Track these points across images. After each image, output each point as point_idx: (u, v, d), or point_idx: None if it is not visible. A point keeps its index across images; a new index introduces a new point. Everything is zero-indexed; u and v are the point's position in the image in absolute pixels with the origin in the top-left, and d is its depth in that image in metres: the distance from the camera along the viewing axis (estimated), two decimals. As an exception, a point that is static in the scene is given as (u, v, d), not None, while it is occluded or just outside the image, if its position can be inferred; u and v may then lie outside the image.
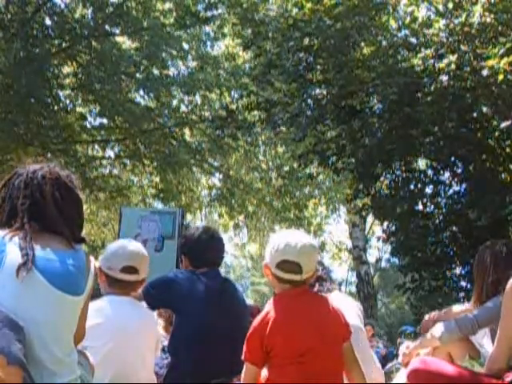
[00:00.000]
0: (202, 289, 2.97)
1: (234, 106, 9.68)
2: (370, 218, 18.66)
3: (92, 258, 2.11)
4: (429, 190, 8.54)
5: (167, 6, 12.32)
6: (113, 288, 2.82)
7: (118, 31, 12.09)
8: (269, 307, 2.37)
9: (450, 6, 6.83)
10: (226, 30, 12.62)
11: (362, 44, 7.42)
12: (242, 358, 2.35)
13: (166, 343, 3.36)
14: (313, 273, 2.41)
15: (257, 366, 2.33)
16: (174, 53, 12.30)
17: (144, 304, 2.99)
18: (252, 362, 2.33)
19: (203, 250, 3.13)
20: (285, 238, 2.38)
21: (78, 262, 1.99)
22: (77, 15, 11.91)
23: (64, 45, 11.50)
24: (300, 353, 2.26)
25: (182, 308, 2.96)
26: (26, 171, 2.07)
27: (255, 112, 9.03)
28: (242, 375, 2.37)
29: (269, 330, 2.28)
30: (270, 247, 2.41)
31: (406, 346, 3.09)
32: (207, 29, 13.10)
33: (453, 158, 8.03)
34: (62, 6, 11.76)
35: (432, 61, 6.82)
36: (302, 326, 2.30)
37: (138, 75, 11.95)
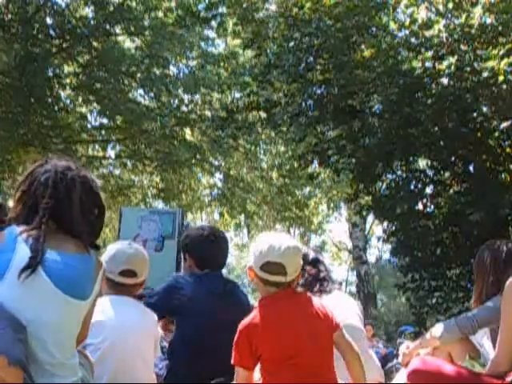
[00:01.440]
0: (203, 294, 2.93)
1: (234, 106, 9.68)
2: (370, 218, 18.68)
3: (102, 264, 2.10)
4: (429, 189, 8.55)
5: (168, 4, 12.32)
6: (112, 290, 2.82)
7: (118, 30, 12.09)
8: (255, 311, 2.36)
9: (450, 6, 6.84)
10: (226, 29, 12.60)
11: (362, 46, 7.42)
12: (232, 362, 2.32)
13: (164, 344, 3.36)
14: (297, 274, 2.39)
15: (247, 370, 2.32)
16: (176, 52, 12.29)
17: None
18: (242, 365, 2.31)
19: (209, 251, 3.10)
20: (268, 240, 2.36)
21: (88, 267, 1.98)
22: (77, 15, 11.91)
23: (64, 44, 11.51)
24: (289, 355, 2.25)
25: (182, 315, 2.94)
26: (55, 169, 2.02)
27: (256, 112, 9.03)
28: (234, 379, 2.36)
29: (256, 334, 2.27)
30: (253, 250, 2.39)
31: (405, 346, 3.08)
32: (208, 28, 13.08)
33: (453, 158, 8.03)
34: (63, 5, 11.76)
35: (432, 62, 6.83)
36: (289, 329, 2.29)
37: (138, 75, 11.95)
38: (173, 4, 12.19)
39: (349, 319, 2.80)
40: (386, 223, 8.81)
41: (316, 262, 3.01)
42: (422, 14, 7.01)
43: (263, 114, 8.83)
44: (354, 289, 21.01)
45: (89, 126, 13.44)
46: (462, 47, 6.76)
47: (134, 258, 2.87)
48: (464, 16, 6.58)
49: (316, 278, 2.96)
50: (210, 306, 2.91)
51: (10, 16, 10.80)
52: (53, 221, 1.95)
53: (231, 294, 3.09)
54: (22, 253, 1.87)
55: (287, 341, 2.27)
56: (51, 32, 11.33)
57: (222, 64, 12.80)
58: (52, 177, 2.00)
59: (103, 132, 13.60)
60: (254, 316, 2.33)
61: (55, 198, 1.97)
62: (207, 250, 3.09)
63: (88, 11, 12.11)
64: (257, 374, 2.36)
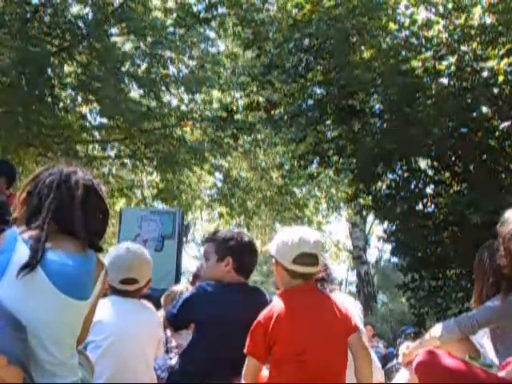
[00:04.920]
0: (224, 308, 2.85)
1: (234, 106, 9.69)
2: (370, 218, 18.69)
3: (104, 265, 2.10)
4: (429, 189, 8.55)
5: (168, 4, 12.32)
6: (115, 295, 2.81)
7: (118, 30, 12.08)
8: (275, 302, 2.38)
9: (450, 6, 6.85)
10: (226, 30, 12.60)
11: (362, 47, 7.43)
12: (245, 350, 2.33)
13: (172, 344, 3.36)
14: (320, 266, 2.44)
15: (259, 360, 2.32)
16: (176, 52, 12.29)
17: (148, 304, 2.98)
18: (254, 355, 2.32)
19: (251, 258, 3.05)
20: (297, 233, 2.39)
21: (88, 267, 1.99)
22: (77, 14, 11.90)
23: (65, 44, 11.50)
24: (298, 351, 2.26)
25: (200, 327, 2.90)
26: (60, 172, 2.07)
27: (256, 112, 9.05)
28: (244, 369, 2.36)
29: (272, 324, 2.28)
30: (281, 244, 2.38)
31: (405, 346, 3.08)
32: (208, 29, 13.09)
33: (453, 158, 8.04)
34: (63, 5, 11.74)
35: (432, 62, 6.84)
36: (304, 325, 2.29)
37: (138, 75, 11.94)
38: (172, 3, 12.19)
39: (356, 321, 2.80)
40: (386, 223, 8.82)
41: None
42: (421, 14, 7.01)
43: (263, 114, 8.84)
44: (353, 289, 21.02)
45: (89, 125, 13.43)
46: (462, 47, 6.77)
47: (134, 264, 2.81)
48: (464, 16, 6.59)
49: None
50: (229, 321, 2.81)
51: (9, 16, 10.78)
52: (55, 222, 1.97)
53: (254, 305, 2.88)
54: (22, 252, 1.88)
55: (299, 337, 2.28)
56: (51, 32, 11.32)
57: (222, 64, 12.80)
58: (56, 179, 2.04)
59: (103, 132, 13.59)
60: (273, 308, 2.34)
61: (58, 199, 2.00)
62: (250, 257, 3.04)
63: (87, 11, 12.10)
64: (265, 371, 2.35)
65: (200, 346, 2.88)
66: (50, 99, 11.19)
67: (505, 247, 2.69)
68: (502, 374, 2.47)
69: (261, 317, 2.33)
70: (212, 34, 13.48)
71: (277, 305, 2.35)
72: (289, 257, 2.35)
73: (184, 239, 11.08)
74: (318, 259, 2.37)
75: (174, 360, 3.21)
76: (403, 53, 7.34)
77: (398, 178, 8.47)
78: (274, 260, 2.44)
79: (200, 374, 2.76)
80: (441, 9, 6.96)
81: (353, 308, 3.02)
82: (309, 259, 2.35)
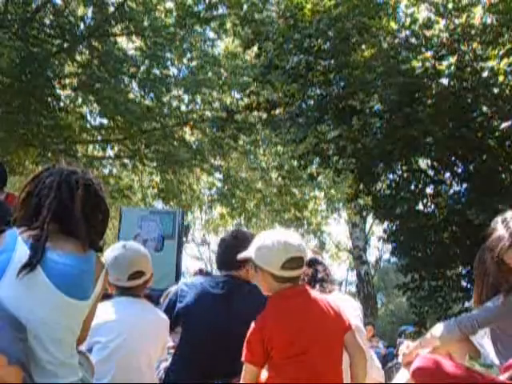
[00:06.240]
0: (207, 302, 2.95)
1: (234, 107, 9.69)
2: (370, 218, 18.69)
3: (104, 265, 2.10)
4: (429, 189, 8.56)
5: (168, 5, 12.32)
6: (123, 295, 2.82)
7: (118, 31, 12.09)
8: (268, 307, 2.36)
9: (450, 6, 6.85)
10: (226, 30, 12.60)
11: (363, 46, 7.43)
12: (242, 358, 2.31)
13: (168, 345, 3.36)
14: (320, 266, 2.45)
15: (257, 367, 2.31)
16: (176, 52, 12.29)
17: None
18: (252, 362, 2.30)
19: (220, 251, 3.18)
20: (280, 238, 2.34)
21: (88, 267, 1.99)
22: (77, 14, 11.91)
23: (65, 45, 11.50)
24: (296, 352, 2.25)
25: (187, 323, 2.97)
26: (60, 172, 2.06)
27: (256, 112, 9.05)
28: (242, 376, 2.35)
29: (268, 331, 2.27)
30: (265, 250, 2.33)
31: (405, 345, 3.08)
32: (208, 29, 13.09)
33: (453, 158, 8.04)
34: (63, 5, 11.74)
35: (432, 62, 6.84)
36: (300, 326, 2.29)
37: (138, 75, 11.95)
38: (171, 4, 12.19)
39: (350, 320, 2.80)
40: (386, 223, 8.82)
41: (314, 263, 3.01)
42: (422, 14, 7.02)
43: (263, 115, 8.84)
44: (353, 289, 21.03)
45: (89, 126, 13.43)
46: (462, 47, 6.77)
47: (136, 258, 2.86)
48: (464, 16, 6.59)
49: (313, 278, 2.96)
50: (213, 314, 2.90)
51: (9, 16, 10.78)
52: (55, 222, 1.97)
53: (236, 296, 3.00)
54: (22, 252, 1.88)
55: (296, 339, 2.27)
56: (51, 32, 11.32)
57: (222, 64, 12.79)
58: (57, 179, 2.03)
59: (103, 132, 13.59)
60: (267, 312, 2.33)
61: (58, 199, 2.00)
62: (220, 251, 3.18)
63: (88, 12, 12.10)
64: (264, 373, 2.35)
65: (190, 343, 2.92)
66: (49, 99, 11.19)
67: (492, 256, 2.70)
68: (504, 376, 2.46)
69: (257, 323, 2.32)
70: (212, 34, 13.50)
71: (270, 310, 2.33)
72: (276, 263, 2.31)
73: (184, 239, 11.08)
74: (303, 261, 2.35)
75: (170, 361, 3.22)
76: (403, 53, 7.34)
77: (398, 178, 8.48)
78: (255, 267, 2.38)
79: (196, 373, 2.78)
80: (441, 8, 6.96)
81: (348, 307, 3.02)
82: (296, 263, 2.32)
